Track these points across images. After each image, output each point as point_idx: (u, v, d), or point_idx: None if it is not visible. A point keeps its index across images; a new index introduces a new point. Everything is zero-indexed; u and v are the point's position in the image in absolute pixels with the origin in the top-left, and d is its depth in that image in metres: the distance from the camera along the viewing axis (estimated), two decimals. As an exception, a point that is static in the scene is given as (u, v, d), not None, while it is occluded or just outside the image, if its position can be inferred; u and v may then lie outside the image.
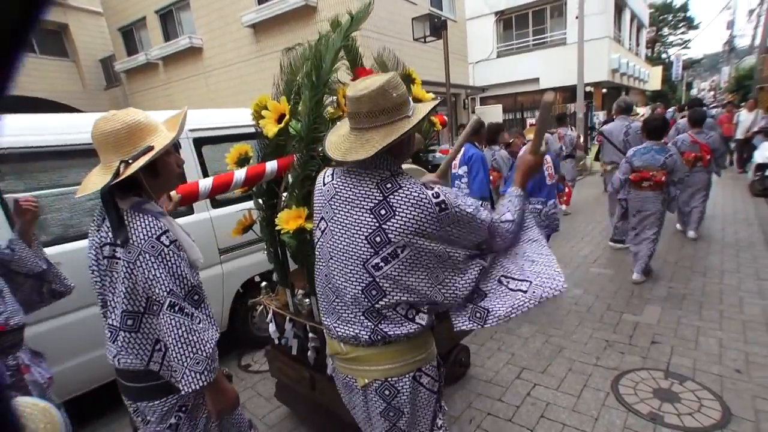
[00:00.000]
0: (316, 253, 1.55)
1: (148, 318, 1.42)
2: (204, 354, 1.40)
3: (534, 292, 1.42)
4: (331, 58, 2.03)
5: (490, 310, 1.45)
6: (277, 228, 1.97)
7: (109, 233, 1.39)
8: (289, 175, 2.18)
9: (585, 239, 6.45)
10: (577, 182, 8.78)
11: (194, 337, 1.39)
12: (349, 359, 1.50)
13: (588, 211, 8.30)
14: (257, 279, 3.44)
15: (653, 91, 30.31)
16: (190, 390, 1.39)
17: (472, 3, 19.36)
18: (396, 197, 1.32)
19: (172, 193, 1.84)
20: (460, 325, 1.48)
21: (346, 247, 1.39)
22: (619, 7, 20.27)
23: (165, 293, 1.37)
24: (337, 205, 1.41)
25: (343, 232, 1.40)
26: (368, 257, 1.35)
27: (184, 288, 1.42)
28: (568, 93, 16.89)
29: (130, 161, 1.37)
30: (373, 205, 1.34)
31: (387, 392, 1.46)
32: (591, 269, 5.26)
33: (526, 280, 1.45)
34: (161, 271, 1.37)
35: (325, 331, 1.60)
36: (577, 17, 13.72)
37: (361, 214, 1.35)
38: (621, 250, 5.75)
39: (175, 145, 1.54)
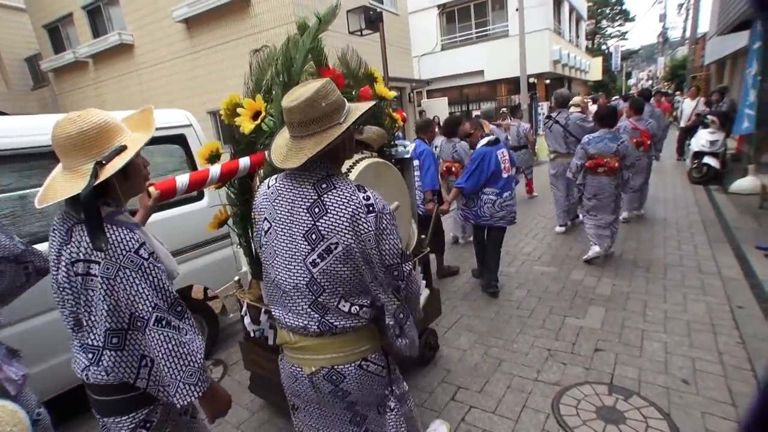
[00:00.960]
0: (261, 251, 1.59)
1: (133, 334, 1.35)
2: (195, 365, 1.37)
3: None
4: (301, 59, 2.11)
5: (406, 332, 1.62)
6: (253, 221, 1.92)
7: (81, 248, 1.28)
8: (261, 171, 2.24)
9: (530, 234, 6.21)
10: (533, 170, 9.01)
11: (184, 350, 1.35)
12: (297, 348, 1.55)
13: (535, 202, 8.27)
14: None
15: (595, 82, 31.25)
16: (185, 403, 1.35)
17: (415, -4, 19.10)
18: (329, 196, 1.39)
19: (151, 189, 1.77)
20: (401, 348, 1.61)
21: (287, 245, 1.46)
22: (558, 0, 20.48)
23: (150, 308, 1.32)
24: (279, 205, 1.47)
25: (284, 230, 1.46)
26: (306, 254, 1.42)
27: (167, 300, 1.37)
28: (513, 84, 16.96)
29: (104, 162, 1.28)
30: (309, 204, 1.41)
31: (334, 377, 1.52)
32: (534, 267, 5.00)
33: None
34: (143, 285, 1.31)
35: (276, 322, 1.63)
36: (517, 9, 13.68)
37: (298, 212, 1.42)
38: (564, 244, 5.58)
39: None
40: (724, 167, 8.47)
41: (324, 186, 1.42)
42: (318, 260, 1.41)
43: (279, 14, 9.71)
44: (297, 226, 1.44)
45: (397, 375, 1.73)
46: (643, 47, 72.38)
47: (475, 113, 16.01)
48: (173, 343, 1.34)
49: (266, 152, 2.04)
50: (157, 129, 3.14)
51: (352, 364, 1.52)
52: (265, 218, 1.54)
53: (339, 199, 1.40)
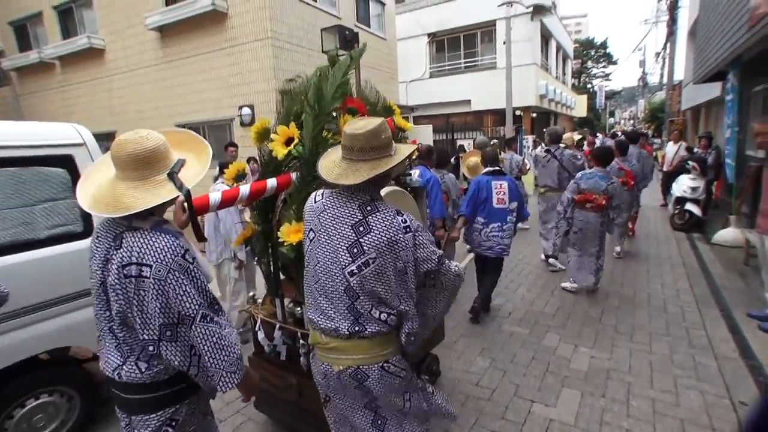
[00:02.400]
0: (306, 258, 1.73)
1: (181, 328, 1.45)
2: (235, 355, 1.50)
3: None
4: (331, 92, 2.24)
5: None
6: (279, 240, 2.11)
7: (133, 252, 1.38)
8: (284, 193, 2.35)
9: (502, 283, 5.45)
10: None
11: (225, 342, 1.47)
12: (327, 348, 1.68)
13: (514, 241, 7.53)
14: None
15: (580, 118, 31.27)
16: (227, 390, 1.49)
17: (406, 22, 18.74)
18: (374, 218, 1.59)
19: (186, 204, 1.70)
20: (402, 334, 1.72)
21: (330, 254, 1.62)
22: (546, 38, 20.36)
23: (197, 306, 1.43)
24: (325, 219, 1.65)
25: (329, 241, 1.63)
26: (346, 264, 1.58)
27: (208, 299, 1.48)
28: (499, 116, 16.50)
29: (175, 172, 1.45)
30: (354, 222, 1.59)
31: (359, 376, 1.66)
32: (504, 326, 4.30)
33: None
34: (190, 286, 1.42)
35: (309, 324, 1.76)
36: (504, 43, 13.27)
37: (343, 228, 1.60)
38: (540, 297, 4.96)
39: None
40: (706, 214, 8.10)
41: (369, 208, 1.60)
42: (356, 271, 1.57)
43: (256, 29, 9.12)
44: (340, 239, 1.60)
45: (418, 386, 1.87)
46: (625, 89, 74.45)
47: (460, 143, 15.50)
48: (216, 336, 1.46)
49: (293, 174, 2.30)
50: (34, 147, 2.44)
51: (376, 365, 1.65)
52: (311, 229, 1.69)
53: (382, 221, 1.58)
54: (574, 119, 29.60)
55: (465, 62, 19.21)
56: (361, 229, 1.58)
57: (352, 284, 1.59)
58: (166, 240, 1.42)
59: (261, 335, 2.59)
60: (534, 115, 20.26)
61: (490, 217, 4.30)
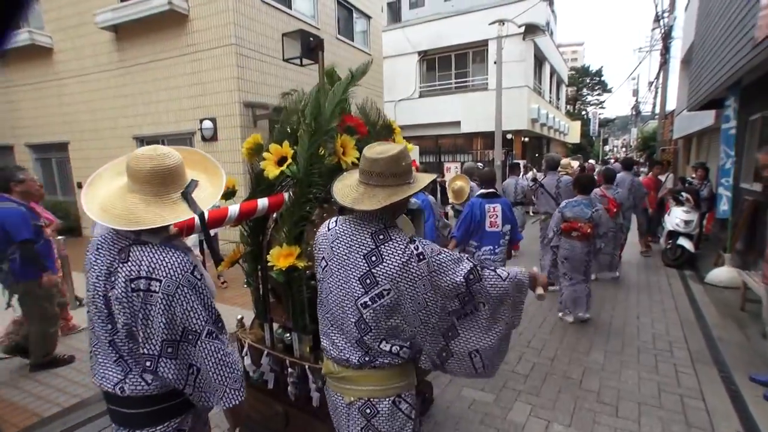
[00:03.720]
0: (318, 287, 1.70)
1: (183, 345, 1.45)
2: (239, 372, 1.52)
3: (479, 376, 1.71)
4: (330, 109, 2.16)
5: (447, 369, 1.69)
6: (268, 264, 2.06)
7: (143, 266, 1.39)
8: (276, 214, 2.30)
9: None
10: (525, 228, 8.57)
11: (230, 359, 1.49)
12: (339, 378, 1.63)
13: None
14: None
15: (573, 144, 30.96)
16: (231, 405, 1.49)
17: (396, 40, 18.36)
18: (386, 247, 1.51)
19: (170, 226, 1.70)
20: (424, 363, 1.69)
21: (342, 284, 1.57)
22: (539, 60, 20.05)
23: (203, 323, 1.44)
24: (337, 247, 1.59)
25: (341, 271, 1.57)
26: (359, 296, 1.52)
27: (213, 316, 1.49)
28: (489, 139, 15.99)
29: (189, 192, 1.48)
30: (366, 251, 1.53)
31: (368, 411, 1.58)
32: (463, 392, 3.60)
33: (484, 368, 1.67)
34: (197, 303, 1.43)
35: (323, 352, 1.70)
36: (495, 62, 12.81)
37: (355, 258, 1.53)
38: (513, 351, 4.22)
39: None
40: (698, 248, 7.59)
41: (381, 237, 1.53)
42: (369, 302, 1.51)
43: (219, 34, 8.40)
44: (353, 270, 1.54)
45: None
46: (619, 117, 75.52)
47: (447, 165, 14.98)
48: (222, 353, 1.47)
49: (285, 194, 2.23)
50: None
51: (387, 399, 1.58)
52: (323, 257, 1.65)
53: (394, 251, 1.50)
54: (567, 145, 29.28)
55: (456, 82, 18.77)
56: (374, 259, 1.52)
57: (365, 316, 1.53)
58: (176, 256, 1.43)
59: (247, 361, 2.49)
60: (526, 139, 19.80)
61: (483, 240, 4.32)
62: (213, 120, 8.58)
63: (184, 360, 1.47)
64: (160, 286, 1.39)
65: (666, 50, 19.31)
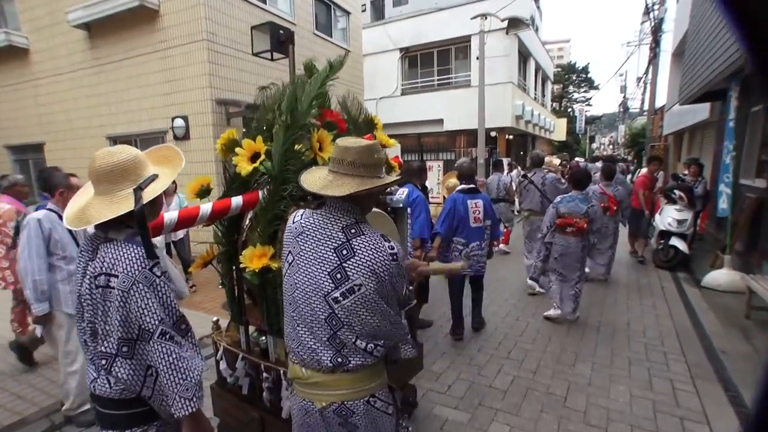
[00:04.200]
0: (284, 283, 1.65)
1: (141, 345, 1.43)
2: (192, 381, 1.44)
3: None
4: (307, 103, 2.12)
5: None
6: (241, 265, 2.01)
7: (105, 263, 1.41)
8: (252, 212, 2.25)
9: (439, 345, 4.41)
10: (514, 224, 9.12)
11: (183, 364, 1.43)
12: (309, 384, 1.60)
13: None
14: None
15: (559, 142, 30.85)
16: (181, 415, 1.42)
17: (377, 37, 17.96)
18: (359, 241, 1.52)
19: None
20: (406, 354, 1.85)
21: (310, 280, 1.54)
22: (524, 56, 19.75)
23: (156, 321, 1.41)
24: (304, 241, 1.57)
25: (308, 266, 1.55)
26: (329, 291, 1.51)
27: (173, 317, 1.46)
28: (472, 137, 15.57)
29: (142, 188, 1.45)
30: (336, 245, 1.52)
31: (343, 412, 1.58)
32: (436, 410, 3.25)
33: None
34: (153, 300, 1.41)
35: (289, 356, 1.67)
36: (477, 58, 12.37)
37: (324, 251, 1.52)
38: (493, 362, 4.11)
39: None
40: (691, 248, 7.33)
41: (353, 231, 1.53)
42: (340, 298, 1.50)
43: (191, 29, 8.14)
44: (321, 264, 1.52)
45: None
46: (606, 115, 75.59)
47: (429, 164, 14.52)
48: (174, 356, 1.41)
49: (260, 192, 2.18)
50: None
51: (361, 400, 1.58)
52: (290, 251, 1.62)
53: (367, 245, 1.51)
54: (553, 143, 29.16)
55: (438, 79, 18.47)
56: (344, 252, 1.51)
57: (336, 312, 1.51)
58: (135, 252, 1.43)
59: (223, 365, 2.48)
60: (510, 137, 19.49)
61: (470, 236, 4.36)
62: (185, 118, 8.24)
63: (140, 361, 1.45)
64: (117, 281, 1.39)
65: (656, 44, 19.31)
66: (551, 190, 6.01)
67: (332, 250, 1.51)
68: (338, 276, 1.50)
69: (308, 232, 1.57)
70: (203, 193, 2.29)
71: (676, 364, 3.87)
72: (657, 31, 17.76)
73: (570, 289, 4.79)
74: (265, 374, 2.24)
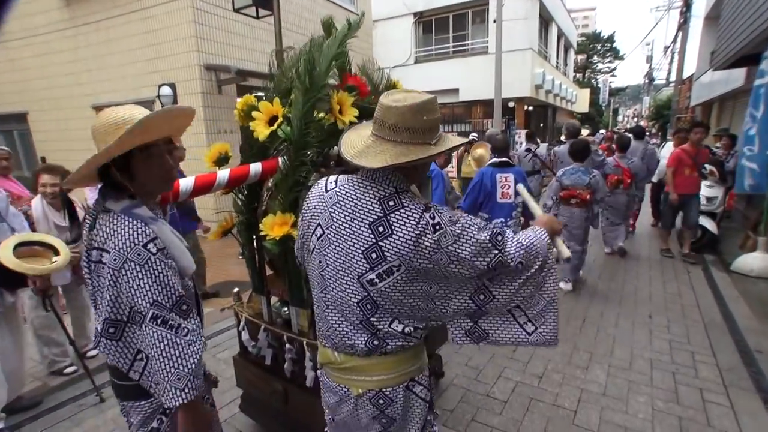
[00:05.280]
0: (311, 259, 1.51)
1: (131, 327, 1.36)
2: (186, 370, 1.33)
3: (536, 338, 1.46)
4: (326, 64, 2.02)
5: (489, 334, 1.48)
6: (261, 233, 1.96)
7: (99, 236, 1.33)
8: (271, 179, 2.20)
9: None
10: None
11: (176, 352, 1.32)
12: (342, 369, 1.48)
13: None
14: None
15: (581, 113, 29.62)
16: (171, 405, 1.33)
17: (391, 1, 16.88)
18: (396, 216, 1.29)
19: None
20: (456, 339, 1.49)
21: (341, 258, 1.37)
22: (546, 21, 18.77)
23: (148, 304, 1.30)
24: (337, 213, 1.38)
25: (340, 242, 1.37)
26: (363, 272, 1.33)
27: (171, 298, 1.34)
28: (489, 107, 14.93)
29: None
30: (372, 220, 1.31)
31: (381, 401, 1.44)
32: None
33: (534, 324, 1.46)
34: (146, 280, 1.30)
35: (318, 339, 1.57)
36: (495, 21, 11.51)
37: (359, 227, 1.33)
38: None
39: (168, 145, 1.46)
40: (719, 227, 6.77)
41: (391, 204, 1.31)
42: (377, 280, 1.31)
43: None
44: (355, 241, 1.33)
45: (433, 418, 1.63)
46: (630, 86, 73.04)
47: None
48: (166, 342, 1.31)
49: (280, 159, 2.11)
50: None
51: (400, 386, 1.44)
52: (319, 224, 1.43)
53: (407, 220, 1.28)
54: (575, 114, 28.06)
55: (454, 46, 17.75)
56: (381, 229, 1.29)
57: (371, 295, 1.34)
58: (129, 226, 1.32)
59: (245, 335, 2.46)
60: (530, 107, 18.57)
61: (494, 212, 4.22)
62: (172, 86, 7.71)
63: (129, 344, 1.37)
64: (108, 258, 1.30)
65: (687, 7, 18.08)
66: (588, 162, 5.88)
67: (367, 226, 1.31)
68: (374, 256, 1.30)
69: (343, 203, 1.38)
70: (222, 161, 2.24)
71: (706, 368, 3.35)
72: (689, -7, 16.57)
73: (575, 258, 4.86)
74: (288, 345, 2.20)
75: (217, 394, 2.23)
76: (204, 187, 2.00)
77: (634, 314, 4.36)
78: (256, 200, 2.34)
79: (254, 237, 2.33)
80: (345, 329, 1.41)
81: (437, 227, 1.27)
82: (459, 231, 1.30)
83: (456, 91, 16.95)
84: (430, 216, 1.28)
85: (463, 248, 1.30)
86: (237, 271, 5.94)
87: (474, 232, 1.31)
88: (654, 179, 7.43)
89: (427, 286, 1.35)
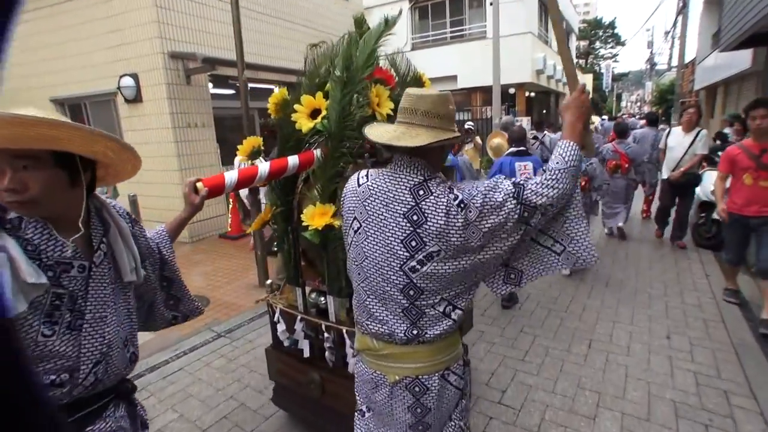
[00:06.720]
0: (349, 252, 1.59)
1: None
2: None
3: (567, 258, 1.45)
4: (363, 58, 2.12)
5: (524, 271, 1.49)
6: (303, 223, 2.04)
7: None
8: (305, 172, 2.29)
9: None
10: None
11: None
12: (381, 356, 1.53)
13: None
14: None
15: (583, 100, 28.47)
16: None
17: (384, -15, 16.10)
18: (427, 203, 1.37)
19: (199, 185, 1.69)
20: (496, 289, 1.51)
21: (381, 249, 1.44)
22: (545, 5, 17.56)
23: None
24: (372, 206, 1.46)
25: (378, 233, 1.44)
26: (405, 260, 1.39)
27: None
28: (489, 94, 14.22)
29: None
30: (406, 209, 1.39)
31: (417, 389, 1.49)
32: None
33: (561, 243, 1.45)
34: None
35: (356, 326, 1.63)
36: (491, 3, 10.66)
37: (394, 217, 1.41)
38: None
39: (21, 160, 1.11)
40: None
41: (421, 192, 1.38)
42: (418, 266, 1.38)
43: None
44: (393, 231, 1.40)
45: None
46: (632, 72, 72.76)
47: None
48: None
49: (315, 151, 2.18)
50: None
51: (436, 374, 1.49)
52: (355, 218, 1.52)
53: (436, 206, 1.35)
54: (576, 100, 26.82)
55: (451, 31, 17.26)
56: (415, 218, 1.37)
57: (415, 281, 1.40)
58: None
59: (281, 327, 2.48)
60: (531, 94, 17.71)
61: None
62: (134, 76, 6.95)
63: None
64: None
65: None
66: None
67: (402, 216, 1.38)
68: (413, 243, 1.37)
69: (376, 196, 1.45)
70: (254, 154, 2.29)
71: (742, 415, 2.58)
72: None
73: None
74: (326, 334, 2.25)
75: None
76: (247, 180, 2.02)
77: (648, 335, 3.67)
78: (292, 192, 2.39)
79: (290, 228, 2.38)
80: (385, 317, 1.46)
81: (461, 204, 1.33)
82: (480, 202, 1.32)
83: (454, 78, 16.62)
84: (454, 197, 1.34)
85: (490, 218, 1.32)
86: (199, 282, 5.29)
87: (495, 196, 1.33)
88: (663, 174, 6.08)
89: (467, 259, 1.38)
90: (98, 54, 7.53)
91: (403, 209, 1.38)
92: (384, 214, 1.42)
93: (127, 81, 7.00)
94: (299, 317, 2.36)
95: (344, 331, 2.18)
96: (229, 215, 7.53)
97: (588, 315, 4.10)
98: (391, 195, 1.41)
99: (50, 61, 8.17)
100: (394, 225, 1.39)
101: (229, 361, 3.62)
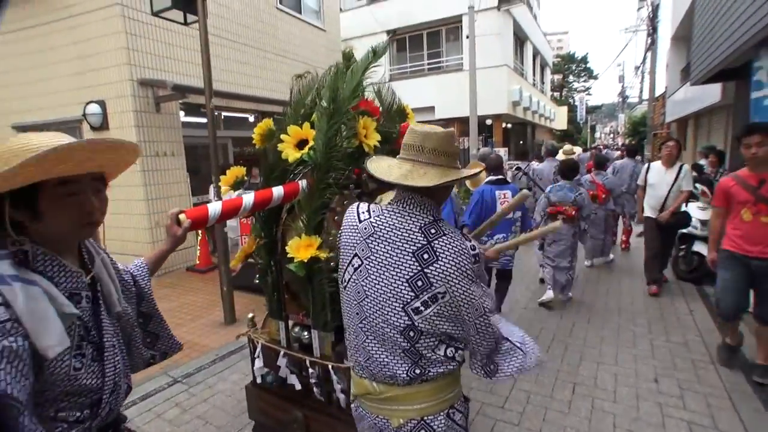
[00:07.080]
0: (346, 290, 1.53)
1: None
2: None
3: (530, 358, 1.53)
4: (350, 90, 2.12)
5: (500, 366, 1.53)
6: (288, 256, 2.01)
7: None
8: (289, 203, 2.32)
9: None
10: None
11: None
12: (382, 399, 1.48)
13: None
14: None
15: (560, 131, 29.43)
16: None
17: (363, 19, 16.50)
18: (440, 242, 1.35)
19: (182, 216, 1.61)
20: (473, 371, 1.55)
21: (384, 288, 1.40)
22: (521, 39, 18.50)
23: None
24: (376, 244, 1.42)
25: (382, 272, 1.40)
26: (408, 300, 1.36)
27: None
28: (466, 125, 14.14)
29: None
30: (416, 248, 1.36)
31: (422, 431, 1.45)
32: None
33: (518, 347, 1.55)
34: None
35: (352, 369, 1.59)
36: (467, 36, 10.80)
37: (402, 256, 1.37)
38: None
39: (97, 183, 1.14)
40: None
41: (433, 231, 1.36)
42: (422, 308, 1.34)
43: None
44: (399, 269, 1.36)
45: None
46: (605, 105, 75.77)
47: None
48: None
49: (300, 182, 2.19)
50: None
51: (441, 414, 1.44)
52: (356, 254, 1.47)
53: (450, 246, 1.33)
54: (554, 131, 27.74)
55: (429, 63, 17.66)
56: (426, 257, 1.33)
57: (416, 323, 1.36)
58: None
59: (258, 363, 2.40)
60: (508, 125, 17.95)
61: (496, 228, 4.15)
62: (101, 103, 6.71)
63: None
64: None
65: (653, 29, 18.16)
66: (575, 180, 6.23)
67: (411, 254, 1.35)
68: (419, 283, 1.33)
69: (381, 234, 1.41)
70: (237, 185, 2.23)
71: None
72: (654, 17, 16.60)
73: (563, 275, 5.04)
74: (311, 370, 2.17)
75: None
76: (231, 211, 1.97)
77: (635, 383, 3.36)
78: (275, 224, 2.37)
79: (273, 260, 2.35)
80: (385, 359, 1.42)
81: (477, 258, 1.36)
82: (480, 271, 1.40)
83: (432, 109, 16.98)
84: (470, 246, 1.36)
85: (476, 291, 1.35)
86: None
87: (482, 291, 1.38)
88: (647, 212, 5.24)
89: (467, 315, 1.38)
90: (64, 80, 7.32)
91: (412, 248, 1.35)
92: (390, 252, 1.38)
93: (93, 108, 6.77)
94: (282, 352, 2.31)
95: (330, 366, 2.13)
96: (198, 247, 7.29)
97: (571, 355, 3.85)
98: (400, 233, 1.38)
99: (13, 87, 7.90)
100: (401, 264, 1.36)
101: (183, 412, 3.26)
